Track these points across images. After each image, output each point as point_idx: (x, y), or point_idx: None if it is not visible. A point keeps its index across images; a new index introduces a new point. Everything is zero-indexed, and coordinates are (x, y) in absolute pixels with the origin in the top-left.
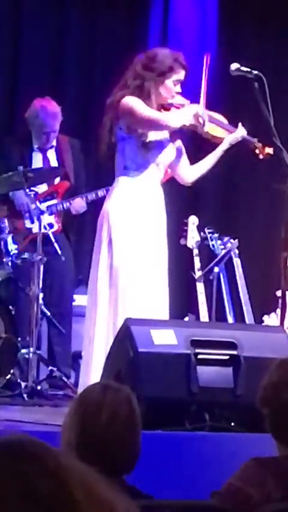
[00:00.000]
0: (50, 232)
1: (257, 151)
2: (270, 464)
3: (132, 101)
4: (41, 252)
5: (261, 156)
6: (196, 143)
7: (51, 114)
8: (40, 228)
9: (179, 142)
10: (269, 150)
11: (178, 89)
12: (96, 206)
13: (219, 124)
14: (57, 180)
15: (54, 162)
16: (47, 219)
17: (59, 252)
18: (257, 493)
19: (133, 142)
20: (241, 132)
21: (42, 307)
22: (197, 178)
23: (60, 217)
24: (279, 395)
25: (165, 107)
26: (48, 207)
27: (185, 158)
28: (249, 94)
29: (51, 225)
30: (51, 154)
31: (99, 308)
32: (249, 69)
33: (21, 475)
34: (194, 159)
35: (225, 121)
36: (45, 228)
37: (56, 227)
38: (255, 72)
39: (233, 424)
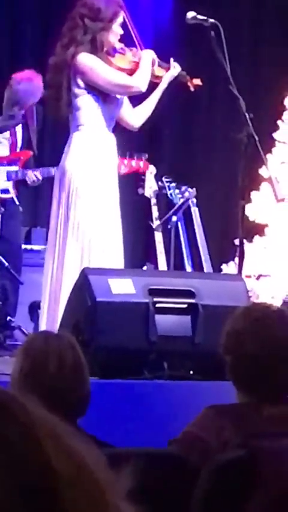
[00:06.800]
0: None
1: (188, 84)
2: (228, 411)
3: (91, 61)
4: None
5: (192, 89)
6: None
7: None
8: None
9: None
10: (197, 81)
11: (120, 30)
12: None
13: (160, 65)
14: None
15: (19, 129)
16: (3, 184)
17: (17, 202)
18: (214, 440)
19: (92, 98)
20: (177, 68)
21: (0, 257)
22: (143, 121)
23: (16, 185)
24: (242, 344)
25: (109, 53)
26: (8, 172)
27: (127, 103)
28: (206, 43)
29: (6, 191)
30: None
31: (65, 259)
32: (205, 18)
33: None
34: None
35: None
36: (1, 191)
37: (11, 194)
38: (212, 20)
39: (191, 372)
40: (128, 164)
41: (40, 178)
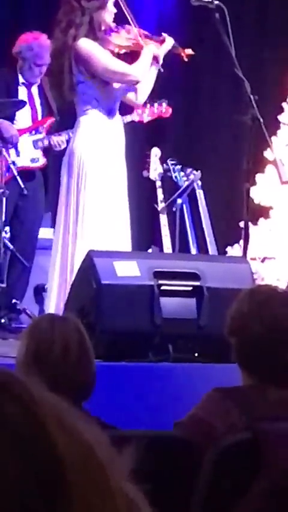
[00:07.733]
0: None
1: (182, 54)
2: (234, 394)
3: (91, 47)
4: (3, 185)
5: (185, 59)
6: None
7: (44, 47)
8: (6, 163)
9: None
10: (189, 51)
11: (114, 8)
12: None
13: (153, 39)
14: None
15: (37, 98)
16: (32, 153)
17: (22, 185)
18: (220, 423)
19: (96, 84)
20: (170, 41)
21: (6, 241)
22: (146, 96)
23: (45, 154)
24: (247, 326)
25: (106, 33)
26: (34, 141)
27: None
28: (210, 24)
29: (36, 160)
30: (35, 90)
31: (76, 242)
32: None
33: None
34: None
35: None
36: (32, 161)
37: (42, 161)
38: (216, 2)
39: (196, 354)
40: (151, 111)
41: (65, 141)
